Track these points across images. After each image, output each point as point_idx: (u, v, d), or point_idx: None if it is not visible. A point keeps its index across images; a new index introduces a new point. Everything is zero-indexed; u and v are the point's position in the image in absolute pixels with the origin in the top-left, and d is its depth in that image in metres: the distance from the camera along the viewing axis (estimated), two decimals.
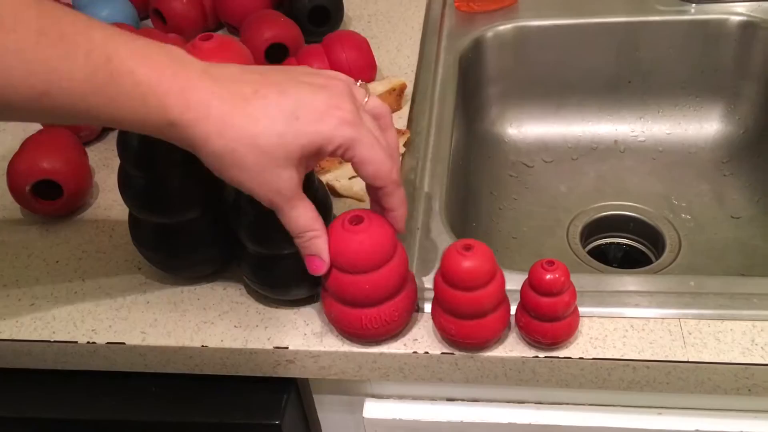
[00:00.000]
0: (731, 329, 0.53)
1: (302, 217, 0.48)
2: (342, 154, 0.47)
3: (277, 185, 0.46)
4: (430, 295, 0.54)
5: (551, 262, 0.50)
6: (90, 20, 0.44)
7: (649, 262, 0.80)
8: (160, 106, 0.44)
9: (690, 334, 0.52)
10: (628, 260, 0.82)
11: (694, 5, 0.85)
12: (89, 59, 0.42)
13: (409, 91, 0.77)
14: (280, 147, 0.45)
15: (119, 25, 0.71)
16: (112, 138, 0.76)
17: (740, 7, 0.84)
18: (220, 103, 0.44)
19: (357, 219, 0.50)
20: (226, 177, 0.47)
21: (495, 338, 0.52)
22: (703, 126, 0.88)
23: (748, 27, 0.83)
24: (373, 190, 0.51)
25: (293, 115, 0.45)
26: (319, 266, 0.50)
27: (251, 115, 0.45)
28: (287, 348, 0.54)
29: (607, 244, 0.83)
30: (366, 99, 0.50)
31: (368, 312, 0.50)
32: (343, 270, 0.49)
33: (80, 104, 0.43)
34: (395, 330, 0.53)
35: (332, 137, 0.46)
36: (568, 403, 0.59)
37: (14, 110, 0.43)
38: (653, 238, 0.81)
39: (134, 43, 0.44)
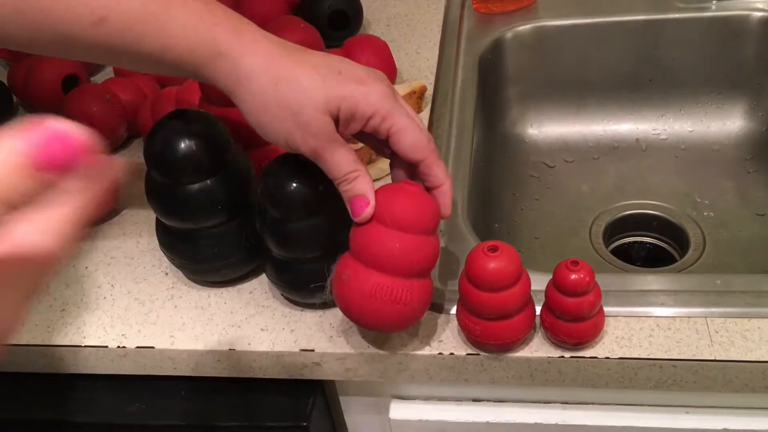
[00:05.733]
0: (758, 327, 0.52)
1: (343, 160, 0.48)
2: (379, 123, 0.48)
3: (316, 128, 0.46)
4: (455, 296, 0.54)
5: (576, 262, 0.50)
6: None
7: (673, 260, 0.79)
8: (210, 37, 0.46)
9: (717, 332, 0.52)
10: (652, 259, 0.82)
11: (714, 2, 0.84)
12: None
13: (429, 93, 0.78)
14: (322, 90, 0.46)
15: None
16: (137, 145, 0.77)
17: (761, 3, 0.83)
18: (268, 44, 0.47)
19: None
20: (264, 120, 0.47)
21: (520, 339, 0.52)
22: (725, 123, 0.88)
23: None
24: (413, 166, 0.50)
25: (337, 70, 0.47)
26: (363, 205, 0.48)
27: (298, 59, 0.47)
28: (314, 350, 0.55)
29: (630, 243, 0.83)
30: None
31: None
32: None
33: (134, 29, 0.45)
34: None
35: (371, 101, 0.47)
36: (594, 403, 0.58)
37: (73, 40, 0.46)
38: (677, 237, 0.80)
39: None
